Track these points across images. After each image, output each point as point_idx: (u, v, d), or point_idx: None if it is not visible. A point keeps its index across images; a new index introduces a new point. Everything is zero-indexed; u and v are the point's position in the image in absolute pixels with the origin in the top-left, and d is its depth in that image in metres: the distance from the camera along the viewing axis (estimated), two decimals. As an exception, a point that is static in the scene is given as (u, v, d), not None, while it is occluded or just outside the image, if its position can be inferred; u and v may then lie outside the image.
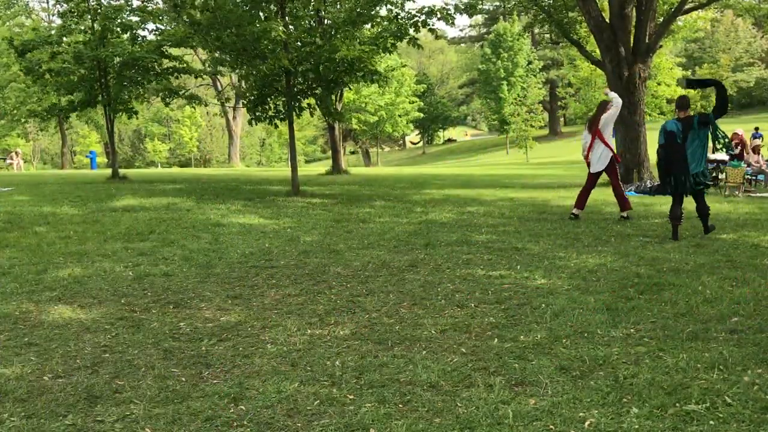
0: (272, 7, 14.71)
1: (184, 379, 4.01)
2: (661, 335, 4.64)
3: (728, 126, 30.58)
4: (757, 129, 28.45)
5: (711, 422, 3.28)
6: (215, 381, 3.98)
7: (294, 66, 14.04)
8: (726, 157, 18.89)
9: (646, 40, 17.21)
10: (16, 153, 37.17)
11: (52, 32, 19.57)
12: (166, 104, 19.16)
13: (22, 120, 38.66)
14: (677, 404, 3.49)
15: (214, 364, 4.26)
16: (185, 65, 19.14)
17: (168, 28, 19.03)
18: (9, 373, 4.09)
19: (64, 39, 18.63)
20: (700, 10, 25.80)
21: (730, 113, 36.17)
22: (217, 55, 16.03)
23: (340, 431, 3.31)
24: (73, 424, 3.40)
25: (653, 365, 4.04)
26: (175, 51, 18.79)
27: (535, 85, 56.45)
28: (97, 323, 5.13)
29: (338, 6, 15.90)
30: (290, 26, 14.83)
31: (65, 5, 18.52)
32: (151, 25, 20.23)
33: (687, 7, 18.67)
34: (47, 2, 43.16)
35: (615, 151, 10.48)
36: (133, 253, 7.98)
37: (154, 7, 18.40)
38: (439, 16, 14.40)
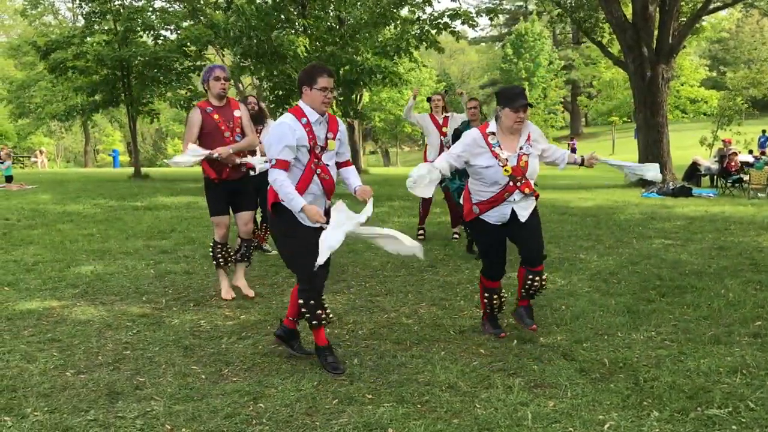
0: (292, 9, 14.76)
1: (204, 376, 4.04)
2: (683, 338, 4.59)
3: (755, 127, 29.79)
4: (764, 132, 28.03)
5: (733, 427, 3.24)
6: (235, 379, 4.00)
7: None
8: (751, 159, 18.60)
9: (669, 41, 17.03)
10: (40, 152, 37.81)
11: (75, 32, 19.82)
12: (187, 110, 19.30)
13: (47, 119, 39.20)
14: (699, 408, 3.45)
15: (233, 361, 4.28)
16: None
17: (187, 25, 19.18)
18: (32, 368, 4.15)
19: (87, 39, 18.84)
20: (725, 11, 25.47)
21: (755, 115, 34.62)
22: (238, 59, 16.13)
23: (359, 430, 3.31)
24: (95, 420, 3.44)
25: (674, 368, 4.00)
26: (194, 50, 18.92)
27: (555, 86, 55.96)
28: (118, 320, 5.18)
29: (359, 5, 15.94)
30: (309, 29, 14.86)
31: (88, 6, 18.74)
32: (172, 25, 20.42)
33: (711, 6, 18.44)
34: (72, 2, 43.75)
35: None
36: (155, 250, 8.05)
37: (176, 8, 18.59)
38: (462, 19, 14.34)
